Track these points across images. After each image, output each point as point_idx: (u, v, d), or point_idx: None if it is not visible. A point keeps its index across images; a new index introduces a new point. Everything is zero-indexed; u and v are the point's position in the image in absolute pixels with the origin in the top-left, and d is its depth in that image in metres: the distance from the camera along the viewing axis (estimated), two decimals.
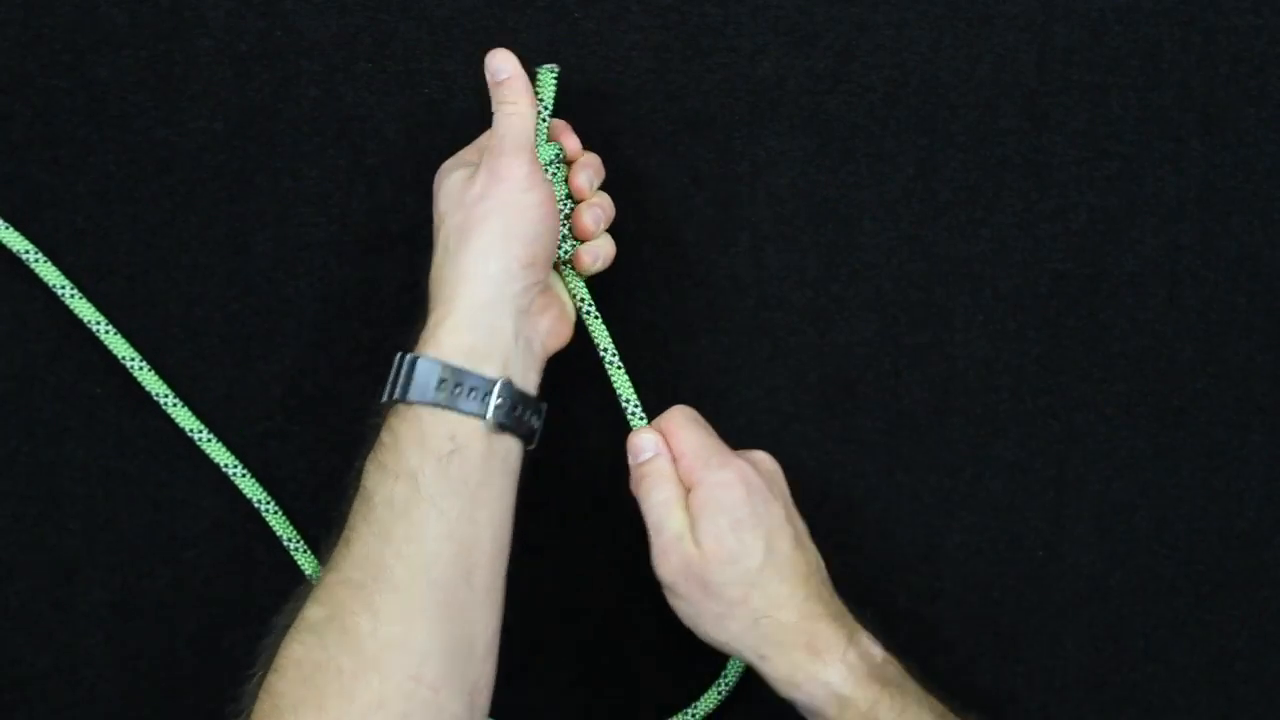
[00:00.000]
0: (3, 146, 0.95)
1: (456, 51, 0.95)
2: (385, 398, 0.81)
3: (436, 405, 0.80)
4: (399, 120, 0.95)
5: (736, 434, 0.90)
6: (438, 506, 0.78)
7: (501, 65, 0.87)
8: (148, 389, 0.94)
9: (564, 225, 0.88)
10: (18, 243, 0.94)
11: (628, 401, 0.89)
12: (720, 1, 0.94)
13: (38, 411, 0.96)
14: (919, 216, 0.95)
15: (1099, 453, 0.95)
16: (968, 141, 0.95)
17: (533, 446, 0.84)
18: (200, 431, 0.94)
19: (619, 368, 0.90)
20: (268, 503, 0.94)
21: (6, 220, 0.94)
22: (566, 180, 0.88)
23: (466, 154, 0.89)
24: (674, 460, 0.86)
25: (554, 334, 0.87)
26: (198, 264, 0.95)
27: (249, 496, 0.94)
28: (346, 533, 0.80)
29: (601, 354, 0.90)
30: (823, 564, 0.87)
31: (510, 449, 0.82)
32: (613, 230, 0.92)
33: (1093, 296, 0.95)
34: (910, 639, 0.95)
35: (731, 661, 0.93)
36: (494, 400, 0.80)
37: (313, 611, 0.77)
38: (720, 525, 0.83)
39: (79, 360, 0.95)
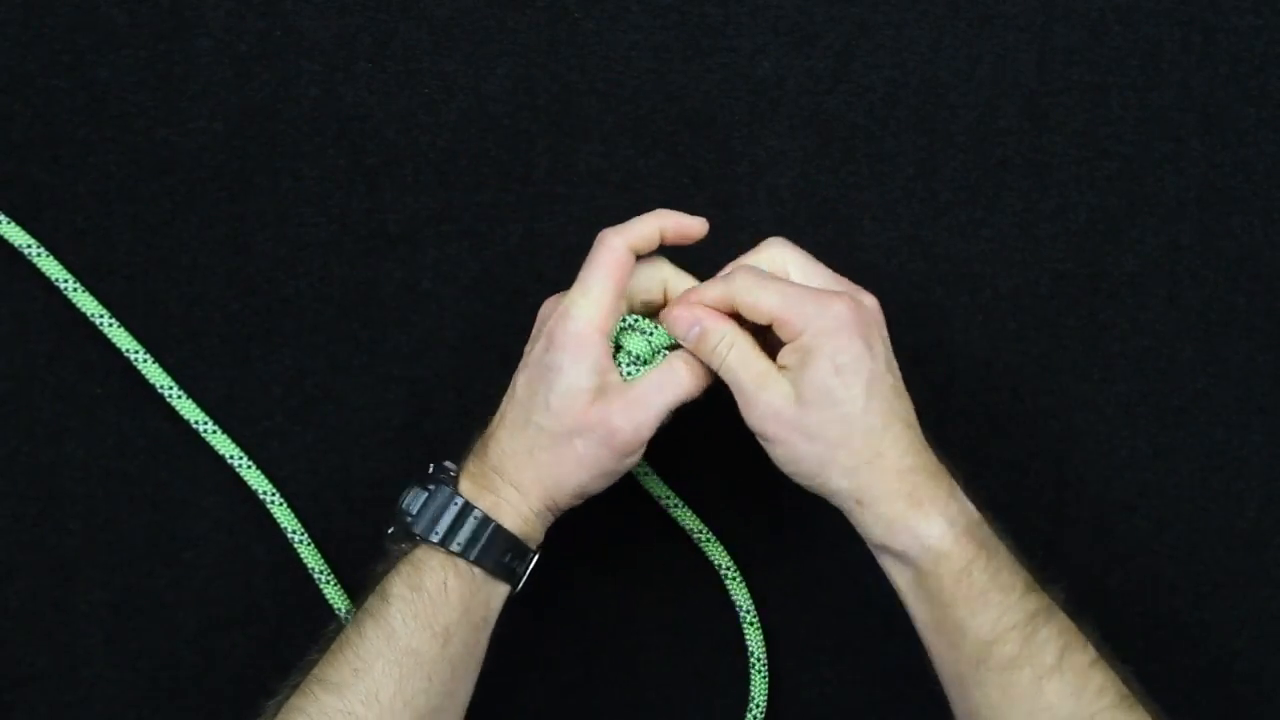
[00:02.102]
0: (3, 146, 0.95)
1: (456, 51, 0.95)
2: (449, 545, 0.81)
3: (491, 574, 0.81)
4: (399, 120, 0.95)
5: (737, 434, 0.90)
6: (453, 664, 0.80)
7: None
8: (151, 381, 0.94)
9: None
10: (19, 237, 0.94)
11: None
12: (720, 1, 0.94)
13: (38, 411, 0.96)
14: (919, 216, 0.95)
15: (1099, 453, 0.95)
16: (968, 141, 0.95)
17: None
18: (205, 423, 0.94)
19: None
20: (273, 494, 0.94)
21: (7, 217, 0.94)
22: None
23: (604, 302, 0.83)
24: (766, 324, 0.82)
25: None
26: (198, 264, 0.95)
27: (254, 488, 0.94)
28: (353, 658, 0.80)
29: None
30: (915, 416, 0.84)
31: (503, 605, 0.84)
32: None
33: (1093, 296, 0.95)
34: (910, 639, 0.95)
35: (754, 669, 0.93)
36: (526, 572, 0.83)
37: None
38: (821, 370, 0.80)
39: (79, 359, 0.95)
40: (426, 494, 0.82)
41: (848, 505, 0.81)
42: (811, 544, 0.96)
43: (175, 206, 0.95)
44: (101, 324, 0.94)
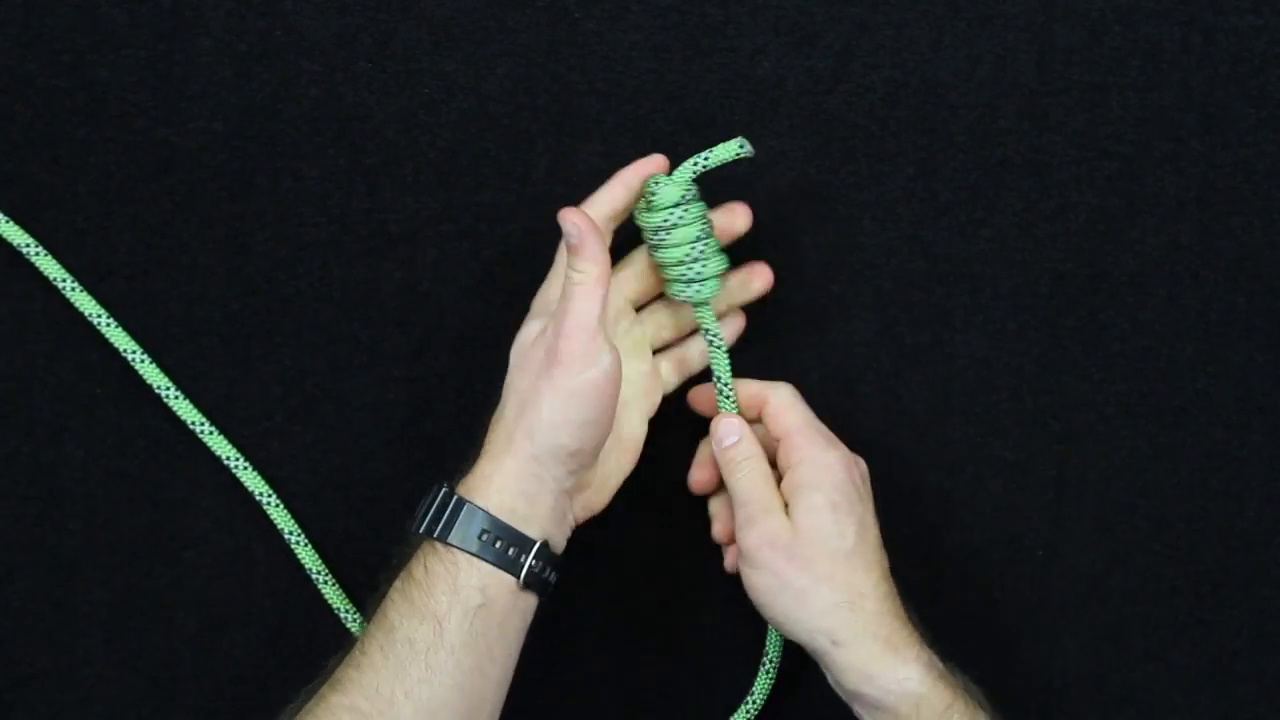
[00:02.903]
0: (3, 146, 0.95)
1: (456, 51, 0.95)
2: (421, 529, 0.82)
3: (474, 555, 0.81)
4: (399, 120, 0.95)
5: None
6: (455, 656, 0.79)
7: (572, 227, 0.83)
8: (149, 381, 0.94)
9: (696, 265, 0.86)
10: (18, 236, 0.94)
11: (725, 385, 0.89)
12: (720, 1, 0.94)
13: (38, 411, 0.96)
14: (919, 216, 0.95)
15: (1099, 453, 0.95)
16: (968, 141, 0.95)
17: (547, 600, 0.85)
18: (202, 424, 0.94)
19: (723, 350, 0.89)
20: (270, 496, 0.94)
21: (6, 217, 0.94)
22: (702, 218, 0.87)
23: (548, 290, 0.88)
24: (777, 437, 0.87)
25: (587, 508, 0.88)
26: (198, 264, 0.95)
27: (251, 490, 0.94)
28: (358, 655, 0.80)
29: (710, 339, 0.89)
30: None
31: (529, 605, 0.84)
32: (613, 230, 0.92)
33: (1093, 296, 0.95)
34: None
35: (770, 641, 0.93)
36: (529, 560, 0.82)
37: None
38: (817, 502, 0.84)
39: (79, 358, 0.95)
40: (428, 496, 0.83)
41: (823, 645, 0.83)
42: None
43: (175, 206, 0.95)
44: (99, 324, 0.94)
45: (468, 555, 0.81)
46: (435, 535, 0.81)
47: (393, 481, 0.96)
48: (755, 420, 0.90)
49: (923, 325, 0.95)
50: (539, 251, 0.95)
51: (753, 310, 0.94)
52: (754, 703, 0.94)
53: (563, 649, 0.97)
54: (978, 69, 0.94)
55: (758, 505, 0.85)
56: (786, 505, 0.85)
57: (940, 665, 0.84)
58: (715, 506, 0.92)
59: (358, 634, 0.94)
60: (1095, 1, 0.94)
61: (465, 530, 0.81)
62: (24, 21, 0.95)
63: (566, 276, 0.83)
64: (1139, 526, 0.96)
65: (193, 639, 0.96)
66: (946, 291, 0.95)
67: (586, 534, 0.89)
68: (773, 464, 0.88)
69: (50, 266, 0.94)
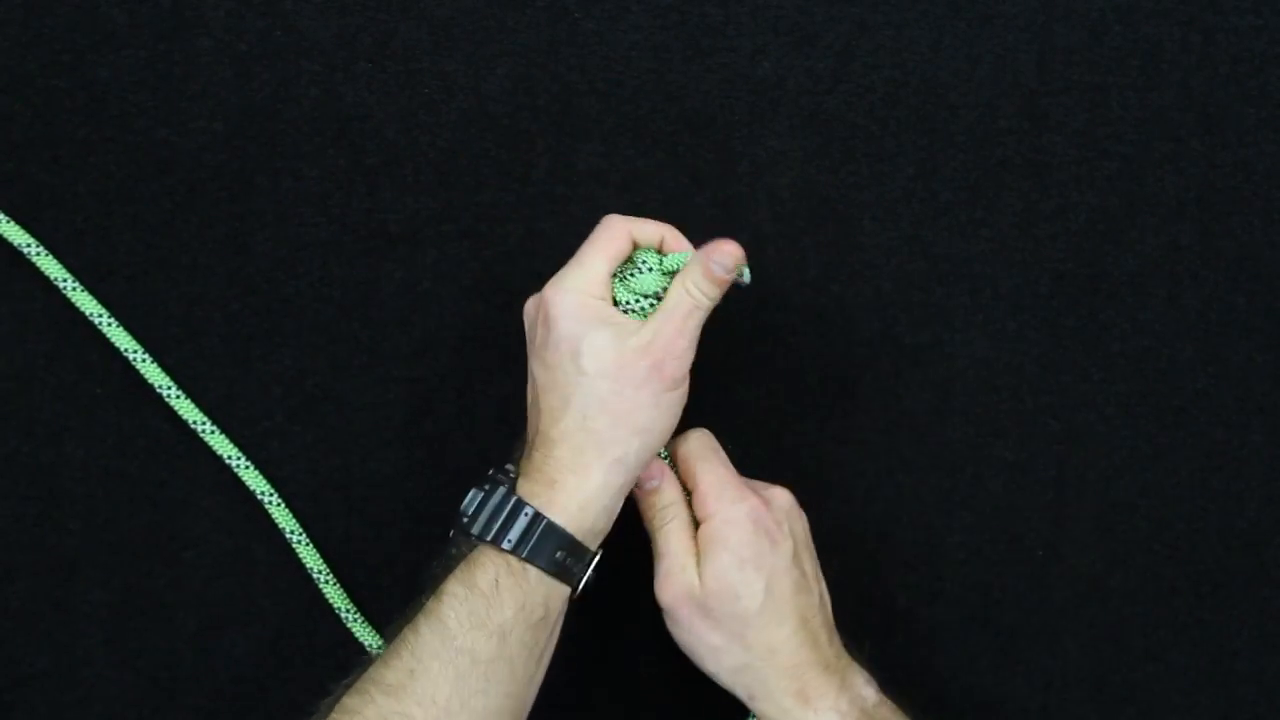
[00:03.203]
0: (3, 146, 0.95)
1: (456, 51, 0.95)
2: (490, 537, 0.80)
3: (546, 572, 0.80)
4: (399, 120, 0.95)
5: (737, 434, 0.90)
6: (512, 666, 0.79)
7: (730, 260, 0.82)
8: (150, 381, 0.94)
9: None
10: (18, 236, 0.94)
11: None
12: (720, 1, 0.94)
13: (38, 411, 0.96)
14: (919, 216, 0.95)
15: (1099, 453, 0.95)
16: (968, 141, 0.95)
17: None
18: (203, 423, 0.94)
19: None
20: (271, 495, 0.94)
21: (7, 216, 0.94)
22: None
23: (585, 281, 0.84)
24: (690, 489, 0.86)
25: None
26: (198, 264, 0.95)
27: (252, 489, 0.94)
28: (409, 659, 0.79)
29: None
30: (827, 603, 0.87)
31: (565, 605, 0.83)
32: None
33: (1093, 296, 0.95)
34: (910, 639, 0.95)
35: None
36: (588, 572, 0.82)
37: None
38: (724, 562, 0.83)
39: (79, 358, 0.95)
40: (483, 494, 0.82)
41: (743, 698, 0.84)
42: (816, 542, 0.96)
43: (175, 206, 0.95)
44: (100, 323, 0.94)
45: (540, 572, 0.80)
46: (512, 550, 0.80)
47: (393, 482, 0.96)
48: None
49: (923, 325, 0.95)
50: (539, 251, 0.95)
51: (753, 310, 0.94)
52: None
53: (560, 648, 0.97)
54: (978, 69, 0.94)
55: (674, 560, 0.84)
56: (698, 558, 0.84)
57: (865, 702, 0.84)
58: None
59: (359, 637, 0.94)
60: (1095, 1, 0.94)
61: (543, 548, 0.80)
62: (24, 21, 0.95)
63: (688, 291, 0.82)
64: (1139, 526, 0.96)
65: (193, 639, 0.96)
66: (946, 291, 0.95)
67: None
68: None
69: (51, 266, 0.94)
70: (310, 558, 0.95)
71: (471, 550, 0.81)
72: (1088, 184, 0.95)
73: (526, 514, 0.80)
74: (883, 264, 0.95)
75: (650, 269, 0.85)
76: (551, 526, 0.80)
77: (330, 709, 0.79)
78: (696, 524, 0.86)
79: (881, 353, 0.95)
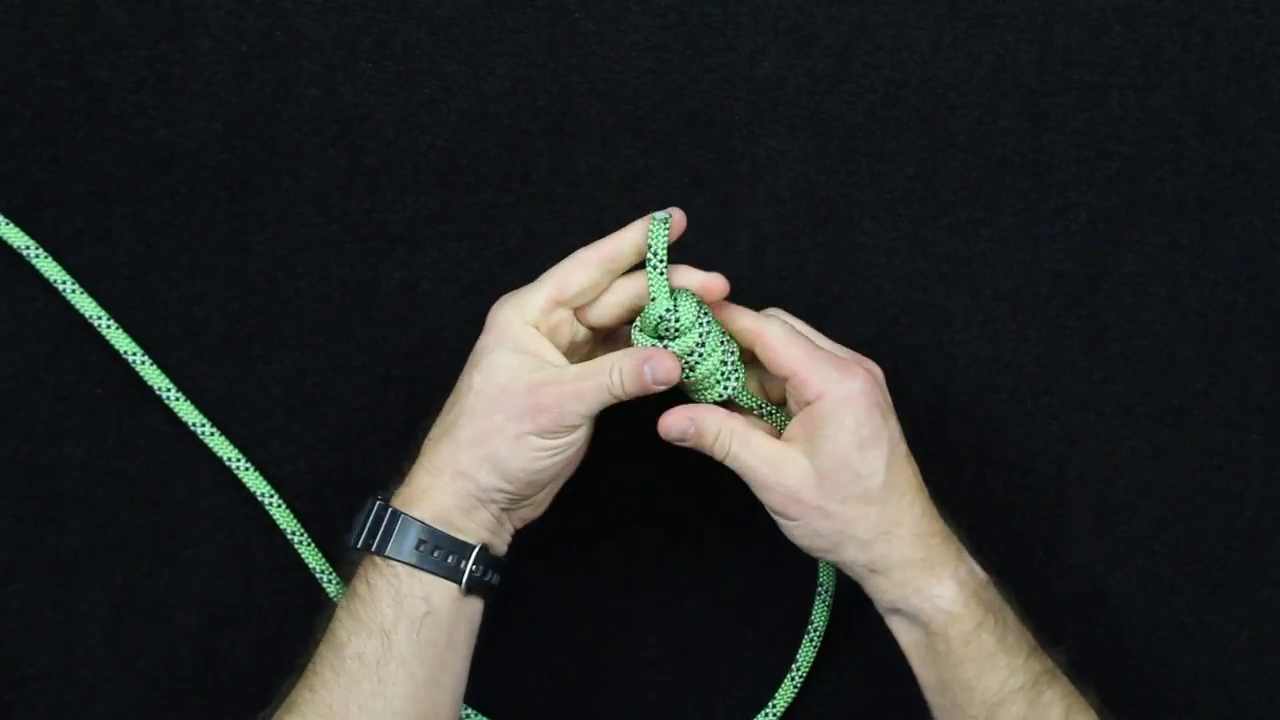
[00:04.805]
0: (3, 146, 0.95)
1: (456, 51, 0.95)
2: (358, 544, 0.82)
3: (413, 565, 0.80)
4: (399, 120, 0.95)
5: None
6: (407, 667, 0.79)
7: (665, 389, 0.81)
8: (150, 383, 0.94)
9: (697, 370, 0.82)
10: (18, 238, 0.94)
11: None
12: (720, 1, 0.94)
13: (38, 411, 0.96)
14: (919, 216, 0.95)
15: (1099, 453, 0.95)
16: (968, 141, 0.95)
17: (492, 603, 0.84)
18: (203, 425, 0.94)
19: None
20: (271, 496, 0.94)
21: (7, 218, 0.94)
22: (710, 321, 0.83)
23: (522, 307, 0.83)
24: (782, 375, 0.82)
25: (524, 520, 0.86)
26: (198, 264, 0.95)
27: (253, 490, 0.94)
28: (311, 676, 0.81)
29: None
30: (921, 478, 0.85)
31: (476, 610, 0.83)
32: (613, 231, 0.92)
33: (1093, 296, 0.95)
34: None
35: (803, 648, 0.93)
36: (469, 566, 0.81)
37: None
38: (843, 442, 0.80)
39: (79, 359, 0.95)
40: (360, 511, 0.83)
41: (860, 574, 0.82)
42: None
43: (175, 206, 0.95)
44: (100, 325, 0.94)
45: (407, 566, 0.80)
46: (373, 549, 0.81)
47: (393, 482, 0.95)
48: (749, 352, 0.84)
49: (923, 325, 0.95)
50: (539, 251, 0.95)
51: (753, 309, 0.94)
52: (799, 670, 0.94)
53: (561, 650, 0.97)
54: (978, 69, 0.94)
55: (767, 468, 0.81)
56: (803, 442, 0.81)
57: (979, 577, 0.83)
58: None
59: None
60: (1095, 1, 0.94)
61: (402, 542, 0.81)
62: (24, 21, 0.95)
63: (610, 372, 0.80)
64: (1139, 526, 0.96)
65: (193, 639, 0.96)
66: (946, 291, 0.95)
67: (585, 532, 0.89)
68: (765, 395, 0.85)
69: (51, 268, 0.94)
70: (313, 557, 0.95)
71: (356, 568, 0.83)
72: (1088, 184, 0.95)
73: (381, 512, 0.81)
74: (883, 264, 0.95)
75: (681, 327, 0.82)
76: (398, 517, 0.81)
77: None
78: (768, 417, 0.83)
79: (881, 353, 0.95)
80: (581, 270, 0.83)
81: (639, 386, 0.80)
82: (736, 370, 0.83)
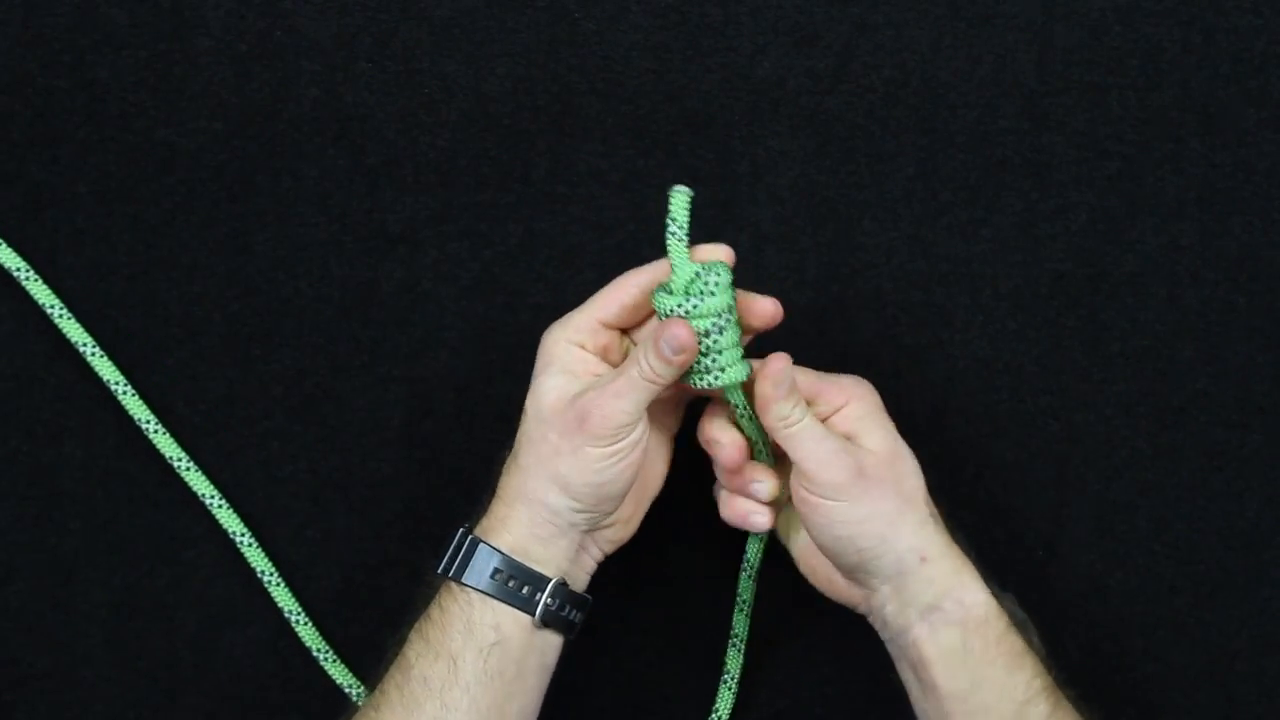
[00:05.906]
0: (3, 146, 0.95)
1: (456, 51, 0.95)
2: (440, 570, 0.82)
3: (488, 594, 0.81)
4: (399, 120, 0.95)
5: None
6: (471, 694, 0.80)
7: (676, 342, 0.78)
8: (132, 414, 0.94)
9: (716, 344, 0.80)
10: (10, 259, 0.94)
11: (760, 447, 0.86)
12: (720, 1, 0.94)
13: (38, 411, 0.96)
14: (919, 216, 0.95)
15: (1099, 453, 0.95)
16: (968, 141, 0.95)
17: (572, 638, 0.84)
18: (181, 460, 0.94)
19: (752, 421, 0.84)
20: (244, 534, 0.94)
21: (4, 224, 0.94)
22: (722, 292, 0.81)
23: (565, 337, 0.82)
24: (808, 397, 0.83)
25: (613, 541, 0.86)
26: (198, 264, 0.95)
27: (226, 529, 0.94)
28: (377, 695, 0.81)
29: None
30: None
31: (550, 644, 0.83)
32: (613, 231, 0.92)
33: (1093, 296, 0.95)
34: None
35: (728, 661, 0.93)
36: (544, 599, 0.81)
37: None
38: (888, 430, 0.84)
39: (79, 359, 0.95)
40: (447, 540, 0.83)
41: (910, 564, 0.82)
42: None
43: (175, 207, 0.95)
44: (85, 352, 0.94)
45: (481, 594, 0.81)
46: (451, 575, 0.81)
47: (393, 482, 0.96)
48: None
49: (923, 325, 0.95)
50: (539, 251, 0.95)
51: None
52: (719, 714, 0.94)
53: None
54: (978, 69, 0.94)
55: (834, 444, 0.82)
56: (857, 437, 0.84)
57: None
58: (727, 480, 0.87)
59: (339, 679, 0.95)
60: (1095, 1, 0.94)
61: (479, 570, 0.81)
62: (24, 21, 0.95)
63: (639, 362, 0.79)
64: (1139, 526, 0.96)
65: (193, 639, 0.96)
66: (946, 291, 0.95)
67: None
68: None
69: (40, 292, 0.93)
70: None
71: (434, 593, 0.83)
72: (1088, 184, 0.95)
73: (463, 540, 0.82)
74: (883, 264, 0.95)
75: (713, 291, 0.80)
76: (479, 546, 0.81)
77: None
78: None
79: (881, 353, 0.95)
80: (625, 292, 0.83)
81: (662, 362, 0.80)
82: (725, 349, 0.82)
